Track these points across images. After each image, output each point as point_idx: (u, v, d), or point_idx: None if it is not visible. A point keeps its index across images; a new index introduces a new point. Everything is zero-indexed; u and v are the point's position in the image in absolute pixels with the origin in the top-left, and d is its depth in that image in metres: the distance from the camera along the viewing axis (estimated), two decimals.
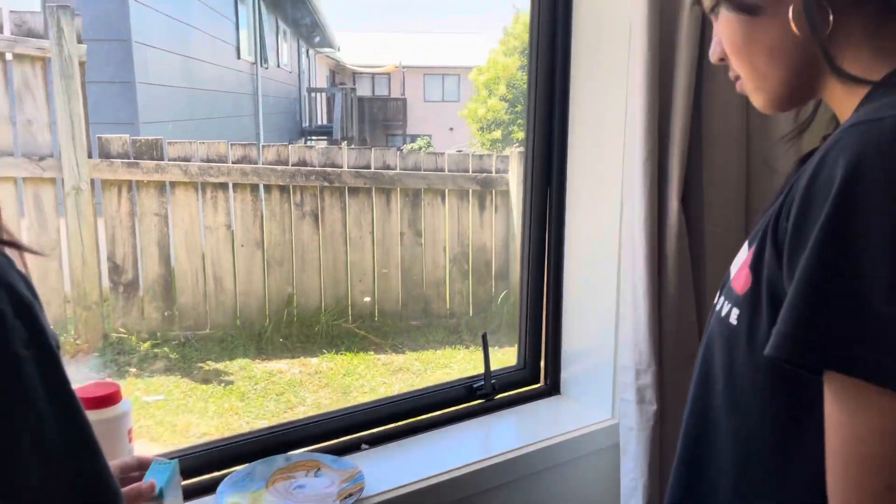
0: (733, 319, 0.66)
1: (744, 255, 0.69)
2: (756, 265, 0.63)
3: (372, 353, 3.91)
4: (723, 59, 0.74)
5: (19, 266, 0.47)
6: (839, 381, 0.54)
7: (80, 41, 3.28)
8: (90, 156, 3.38)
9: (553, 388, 1.52)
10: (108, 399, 0.93)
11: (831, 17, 0.64)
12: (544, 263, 1.50)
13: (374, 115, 15.11)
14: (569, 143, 1.41)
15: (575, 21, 1.37)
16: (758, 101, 0.73)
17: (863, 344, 0.51)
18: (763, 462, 0.67)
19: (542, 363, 1.54)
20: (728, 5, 0.69)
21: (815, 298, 0.53)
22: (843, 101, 0.67)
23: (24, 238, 0.47)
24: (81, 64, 3.26)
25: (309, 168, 3.97)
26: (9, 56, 3.13)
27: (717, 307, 0.72)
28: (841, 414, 0.54)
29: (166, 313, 3.68)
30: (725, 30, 0.71)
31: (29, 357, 0.44)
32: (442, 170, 4.30)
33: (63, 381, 0.46)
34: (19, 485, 0.43)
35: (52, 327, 0.47)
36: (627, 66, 1.16)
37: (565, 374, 1.50)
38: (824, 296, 0.53)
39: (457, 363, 3.84)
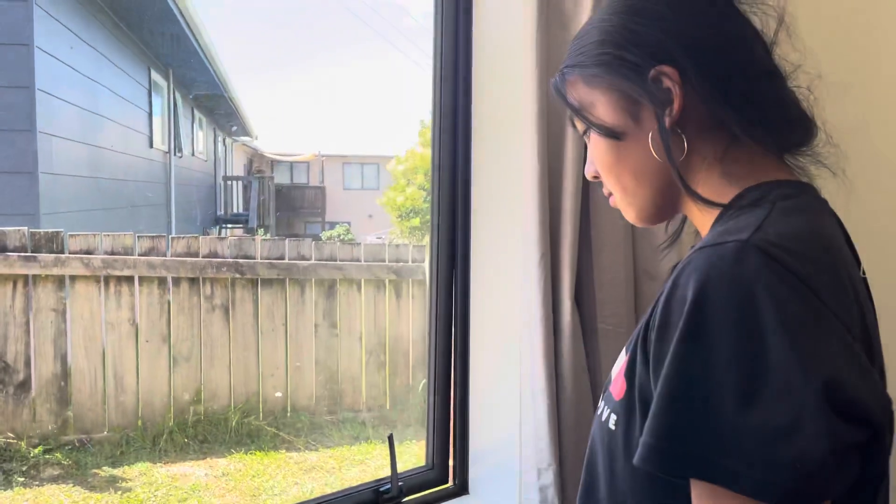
0: (612, 424, 0.70)
1: (621, 360, 0.73)
2: (630, 373, 0.67)
3: (284, 451, 3.75)
4: (596, 176, 0.81)
5: None
6: (700, 486, 0.57)
7: None
8: None
9: (461, 489, 1.50)
10: None
11: (685, 144, 0.72)
12: (451, 361, 1.52)
13: (293, 203, 15.10)
14: (472, 242, 1.46)
15: (475, 128, 1.44)
16: (628, 215, 0.80)
17: (717, 452, 0.55)
18: None
19: (451, 462, 1.53)
20: (596, 130, 0.75)
21: (673, 411, 0.57)
22: (701, 219, 0.74)
23: None
24: None
25: (220, 260, 3.90)
26: None
27: (599, 411, 0.75)
28: None
29: (60, 416, 3.44)
30: (596, 151, 0.78)
31: None
32: (358, 260, 4.31)
33: None
34: None
35: None
36: (522, 173, 1.23)
37: (473, 473, 1.49)
38: (681, 408, 0.57)
39: (373, 459, 3.74)
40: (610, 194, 0.81)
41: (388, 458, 1.42)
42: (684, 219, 0.85)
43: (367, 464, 3.70)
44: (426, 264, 4.52)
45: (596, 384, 1.22)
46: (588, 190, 1.20)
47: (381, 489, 1.40)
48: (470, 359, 1.48)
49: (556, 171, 1.18)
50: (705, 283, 0.57)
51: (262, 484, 3.40)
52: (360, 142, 17.51)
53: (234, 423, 3.78)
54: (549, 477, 1.15)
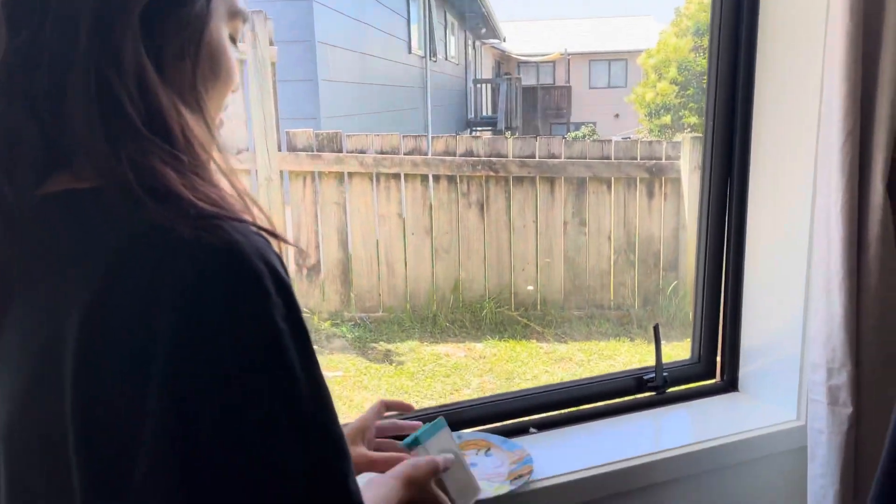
0: None
1: None
2: None
3: (534, 341, 3.92)
4: None
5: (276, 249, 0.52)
6: None
7: (271, 44, 3.58)
8: (279, 149, 3.69)
9: (730, 385, 1.44)
10: None
11: None
12: (722, 254, 1.43)
13: (538, 105, 15.06)
14: (753, 129, 1.33)
15: None
16: None
17: None
18: None
19: (719, 358, 1.47)
20: None
21: None
22: None
23: None
24: (273, 64, 3.56)
25: (475, 158, 4.05)
26: None
27: None
28: None
29: (343, 296, 3.95)
30: None
31: (287, 331, 0.48)
32: (608, 157, 4.19)
33: (313, 354, 0.51)
34: (277, 447, 0.47)
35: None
36: (824, 40, 1.07)
37: (744, 371, 1.42)
38: None
39: (621, 356, 3.75)
40: None
41: (641, 354, 1.41)
42: None
43: (615, 359, 3.73)
44: (681, 161, 4.26)
45: None
46: None
47: (645, 377, 1.40)
48: (745, 251, 1.38)
49: (874, 32, 1.00)
50: None
51: (516, 369, 3.61)
52: (607, 37, 16.68)
53: (488, 312, 4.03)
54: (842, 377, 1.05)
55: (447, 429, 0.89)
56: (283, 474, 0.47)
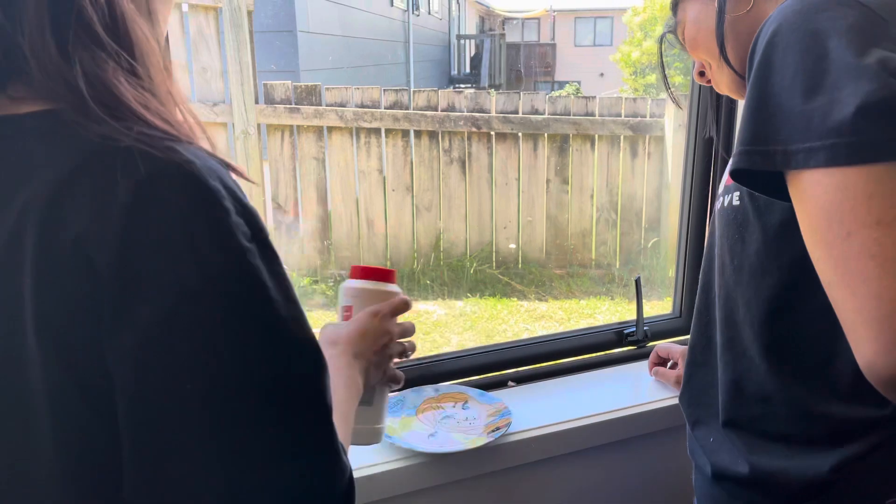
0: (736, 200, 0.78)
1: None
2: None
3: (515, 299, 3.92)
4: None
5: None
6: (798, 178, 0.62)
7: None
8: (257, 101, 3.59)
9: None
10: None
11: None
12: (706, 209, 1.42)
13: (523, 62, 14.85)
14: None
15: None
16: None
17: (796, 139, 0.60)
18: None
19: None
20: None
21: (753, 118, 0.63)
22: None
23: None
24: (249, 13, 3.44)
25: (458, 113, 3.98)
26: (185, 7, 3.36)
27: (719, 205, 0.83)
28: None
29: (323, 253, 3.90)
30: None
31: (253, 250, 0.47)
32: (592, 114, 4.14)
33: (285, 276, 0.50)
34: (258, 367, 0.47)
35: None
36: None
37: None
38: (760, 113, 0.63)
39: (601, 314, 3.77)
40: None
41: (621, 312, 1.40)
42: None
43: (595, 318, 3.75)
44: (666, 119, 4.23)
45: None
46: None
47: (626, 331, 1.39)
48: None
49: None
50: (777, 28, 0.64)
51: (496, 326, 3.62)
52: None
53: (470, 270, 4.01)
54: None
55: None
56: (265, 393, 0.47)
